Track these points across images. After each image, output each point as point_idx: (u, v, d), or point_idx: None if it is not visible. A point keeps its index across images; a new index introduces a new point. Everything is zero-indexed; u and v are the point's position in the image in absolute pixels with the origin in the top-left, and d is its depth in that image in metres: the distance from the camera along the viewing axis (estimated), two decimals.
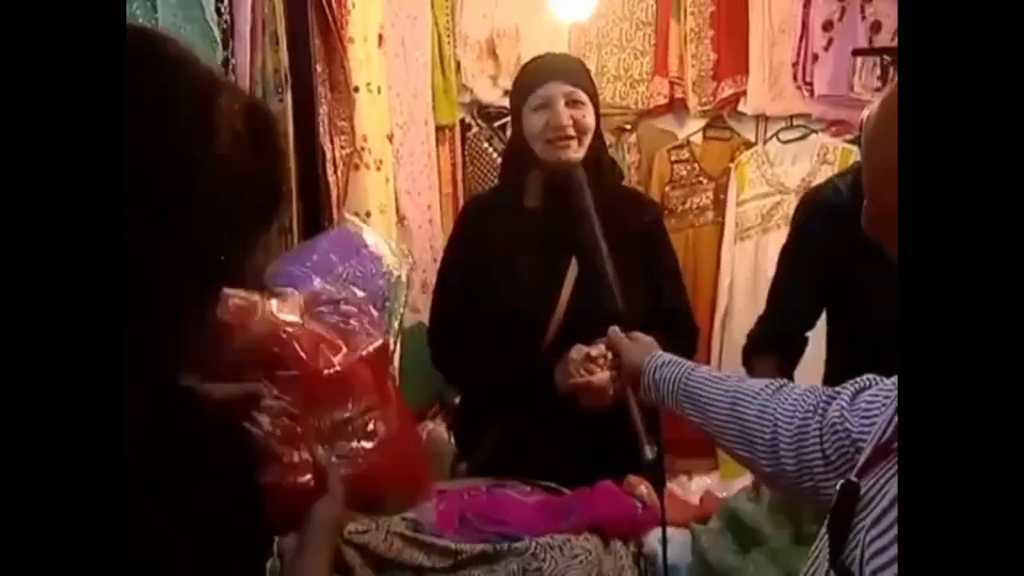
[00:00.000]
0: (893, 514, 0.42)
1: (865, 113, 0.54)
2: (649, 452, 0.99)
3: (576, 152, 1.40)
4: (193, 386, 0.63)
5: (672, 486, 2.29)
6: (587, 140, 1.42)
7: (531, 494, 1.33)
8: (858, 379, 0.83)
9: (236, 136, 0.56)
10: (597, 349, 1.24)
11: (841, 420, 0.79)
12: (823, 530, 0.48)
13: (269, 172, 0.60)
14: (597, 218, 1.16)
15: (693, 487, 2.40)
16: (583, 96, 1.42)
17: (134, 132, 0.50)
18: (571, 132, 1.39)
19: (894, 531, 0.41)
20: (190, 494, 0.55)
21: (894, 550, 0.41)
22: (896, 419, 0.50)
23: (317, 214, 2.01)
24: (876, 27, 2.51)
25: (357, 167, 2.22)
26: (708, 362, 2.89)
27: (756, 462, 0.87)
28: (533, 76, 1.46)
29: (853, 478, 0.48)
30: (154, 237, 0.52)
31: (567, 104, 1.40)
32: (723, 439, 0.91)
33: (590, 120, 1.43)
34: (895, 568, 0.40)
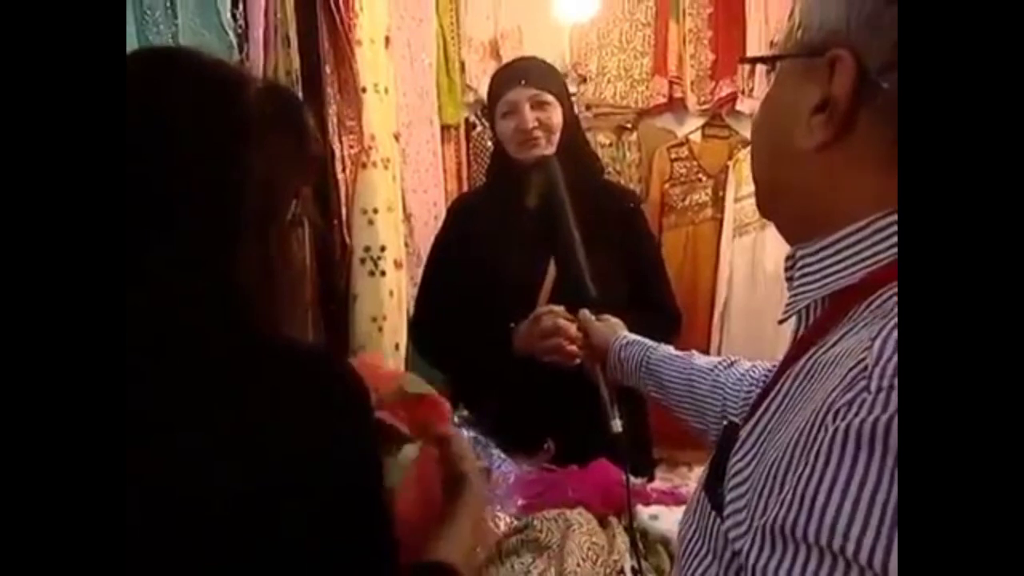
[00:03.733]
0: (750, 442, 0.49)
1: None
2: (616, 426, 1.07)
3: (545, 149, 1.48)
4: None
5: (672, 477, 2.38)
6: (555, 138, 1.50)
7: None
8: None
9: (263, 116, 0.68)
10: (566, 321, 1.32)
11: None
12: (706, 465, 0.56)
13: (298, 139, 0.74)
14: (572, 209, 1.23)
15: (693, 477, 2.48)
16: (548, 97, 1.50)
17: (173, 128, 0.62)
18: (537, 133, 1.47)
19: (749, 455, 0.49)
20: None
21: (748, 471, 0.48)
22: (776, 372, 0.56)
23: (327, 211, 2.10)
24: None
25: (365, 165, 2.29)
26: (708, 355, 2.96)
27: (708, 432, 0.95)
28: (499, 84, 1.55)
29: (737, 421, 0.55)
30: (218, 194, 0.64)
31: (532, 107, 1.48)
32: (680, 412, 0.99)
33: (556, 119, 1.50)
34: (745, 486, 0.47)
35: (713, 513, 0.51)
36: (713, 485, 0.51)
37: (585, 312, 1.20)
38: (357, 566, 0.66)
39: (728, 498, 0.48)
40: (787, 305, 0.53)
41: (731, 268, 3.08)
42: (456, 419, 1.71)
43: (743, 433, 0.50)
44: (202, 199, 0.62)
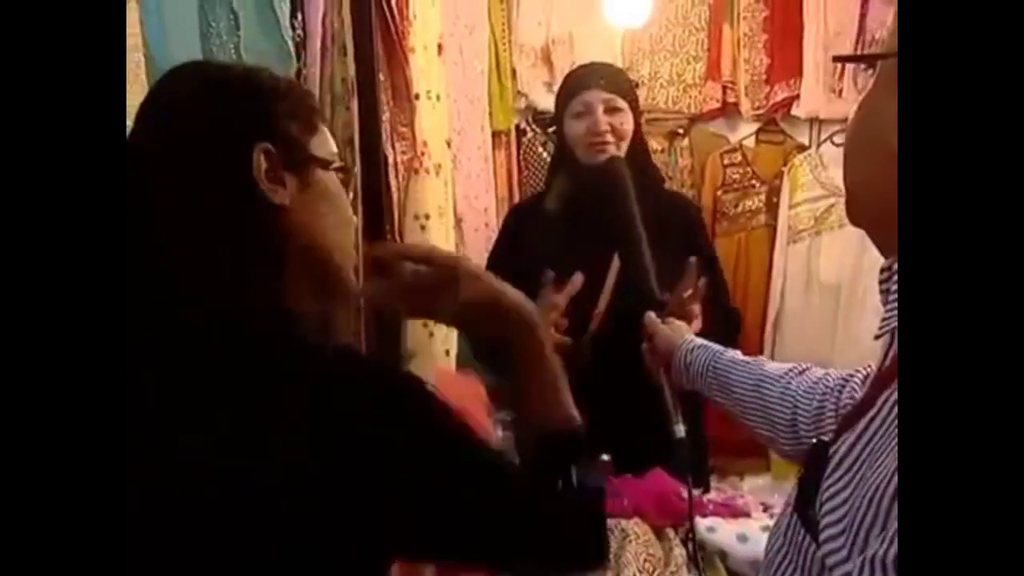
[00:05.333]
0: (846, 463, 0.47)
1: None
2: (679, 431, 1.05)
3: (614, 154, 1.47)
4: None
5: (723, 486, 2.33)
6: (625, 145, 1.50)
7: None
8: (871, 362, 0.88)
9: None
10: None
11: (853, 401, 0.84)
12: (795, 485, 0.54)
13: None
14: (638, 211, 1.22)
15: (746, 487, 2.44)
16: (622, 103, 1.50)
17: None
18: (609, 138, 1.47)
19: (846, 478, 0.47)
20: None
21: (845, 494, 0.46)
22: (866, 390, 0.54)
23: (380, 216, 2.12)
24: None
25: (417, 171, 2.31)
26: None
27: (777, 441, 0.93)
28: (574, 84, 1.55)
29: (825, 439, 0.53)
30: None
31: (606, 111, 1.48)
32: (747, 419, 0.97)
33: (628, 126, 1.50)
34: (842, 510, 0.45)
35: (807, 537, 0.49)
36: (804, 507, 0.49)
37: (651, 314, 1.19)
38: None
39: (824, 522, 0.46)
40: (883, 320, 0.51)
41: (785, 276, 3.02)
42: (502, 421, 1.71)
43: (836, 453, 0.48)
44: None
